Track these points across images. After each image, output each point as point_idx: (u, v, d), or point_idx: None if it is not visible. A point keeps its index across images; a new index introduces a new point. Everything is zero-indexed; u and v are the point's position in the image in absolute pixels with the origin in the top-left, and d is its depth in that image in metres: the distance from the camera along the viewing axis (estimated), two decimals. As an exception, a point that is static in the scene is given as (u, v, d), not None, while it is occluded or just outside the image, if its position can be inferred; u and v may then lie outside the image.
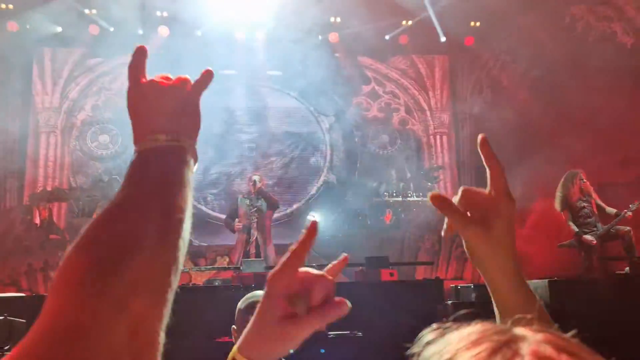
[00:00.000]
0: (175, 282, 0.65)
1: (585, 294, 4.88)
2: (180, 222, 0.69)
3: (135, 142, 0.81)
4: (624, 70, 9.23)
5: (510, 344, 0.44)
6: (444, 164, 11.02)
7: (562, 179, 6.32)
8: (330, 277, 0.71)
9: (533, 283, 5.33)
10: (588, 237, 6.00)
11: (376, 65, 11.23)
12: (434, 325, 0.51)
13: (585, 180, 6.26)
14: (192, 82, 0.87)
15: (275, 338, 0.68)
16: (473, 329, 0.48)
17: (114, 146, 10.28)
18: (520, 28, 10.01)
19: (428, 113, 11.29)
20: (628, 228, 6.07)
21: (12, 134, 9.57)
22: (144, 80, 0.84)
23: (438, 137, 11.28)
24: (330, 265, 0.76)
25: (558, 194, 6.31)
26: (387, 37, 10.68)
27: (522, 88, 9.94)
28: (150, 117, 0.81)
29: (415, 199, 9.76)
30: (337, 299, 0.70)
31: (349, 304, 0.70)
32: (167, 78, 0.86)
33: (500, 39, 10.51)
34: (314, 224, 0.73)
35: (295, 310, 0.67)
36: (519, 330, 0.46)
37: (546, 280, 5.36)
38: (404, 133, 11.18)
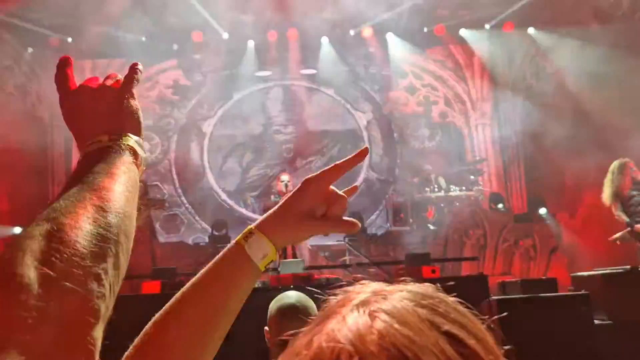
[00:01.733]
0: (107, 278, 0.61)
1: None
2: (114, 218, 0.67)
3: (79, 149, 0.79)
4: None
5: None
6: (487, 155, 10.69)
7: (611, 171, 5.98)
8: (347, 200, 0.83)
9: (588, 276, 5.07)
10: (639, 226, 5.66)
11: (413, 58, 11.01)
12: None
13: (635, 169, 5.90)
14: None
15: (290, 227, 0.76)
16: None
17: (153, 152, 10.48)
18: (564, 11, 9.60)
19: (468, 104, 10.98)
20: None
21: (58, 148, 9.90)
22: (73, 87, 0.82)
23: (480, 128, 10.96)
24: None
25: (607, 186, 5.98)
26: (425, 29, 10.46)
27: (568, 74, 9.52)
28: (89, 122, 0.80)
29: (458, 193, 9.49)
30: (352, 220, 0.81)
31: (359, 225, 0.81)
32: (95, 79, 0.85)
33: (543, 22, 10.11)
34: (365, 150, 0.87)
35: (314, 212, 0.78)
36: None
37: (601, 272, 5.09)
38: (444, 126, 10.92)
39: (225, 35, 10.19)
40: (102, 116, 0.80)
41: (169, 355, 0.70)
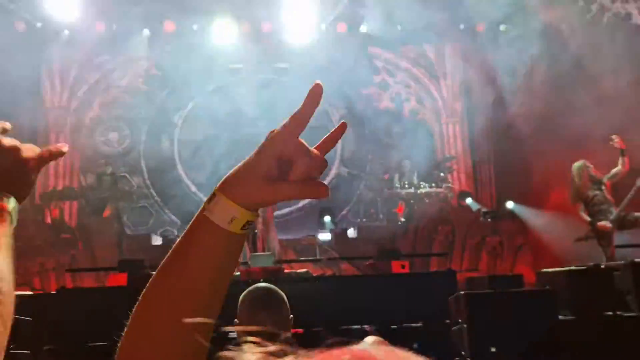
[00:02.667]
0: None
1: (603, 283, 4.73)
2: None
3: None
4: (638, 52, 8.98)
5: None
6: (457, 153, 10.84)
7: (571, 173, 6.15)
8: (323, 159, 0.72)
9: (552, 273, 5.18)
10: (601, 222, 5.82)
11: (386, 55, 11.06)
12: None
13: (591, 166, 6.06)
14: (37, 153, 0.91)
15: (253, 186, 0.68)
16: None
17: (123, 143, 10.28)
18: (534, 11, 9.78)
19: (440, 102, 11.10)
20: None
21: (22, 133, 9.58)
22: None
23: (450, 126, 11.09)
24: (328, 134, 0.75)
25: (570, 188, 6.15)
26: (399, 27, 10.51)
27: (536, 74, 9.71)
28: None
29: (428, 190, 9.60)
30: (320, 181, 0.71)
31: (329, 192, 0.70)
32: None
33: (514, 23, 10.29)
34: (318, 87, 0.72)
35: (276, 171, 0.68)
36: None
37: (565, 269, 5.22)
38: (415, 123, 11.02)
39: (195, 27, 10.05)
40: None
41: (156, 335, 0.66)
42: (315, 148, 0.72)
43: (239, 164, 0.70)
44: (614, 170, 6.09)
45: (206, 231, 0.67)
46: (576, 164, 6.20)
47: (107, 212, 8.62)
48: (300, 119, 0.70)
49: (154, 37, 10.13)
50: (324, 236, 8.83)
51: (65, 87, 10.20)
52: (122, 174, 9.61)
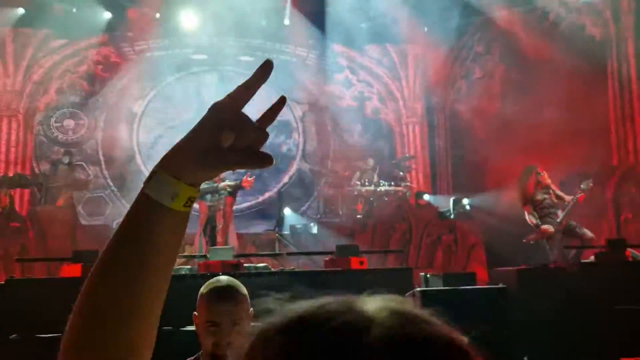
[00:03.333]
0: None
1: (551, 283, 4.93)
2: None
3: None
4: (591, 61, 9.37)
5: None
6: (416, 153, 11.03)
7: (522, 174, 6.37)
8: (265, 131, 0.70)
9: (504, 271, 5.37)
10: (545, 226, 6.09)
11: (350, 53, 11.14)
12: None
13: (542, 173, 6.30)
14: None
15: (194, 159, 0.67)
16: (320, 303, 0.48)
17: (79, 131, 9.98)
18: (494, 18, 10.05)
19: (401, 102, 11.27)
20: (592, 236, 6.16)
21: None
22: None
23: (410, 126, 11.28)
24: (268, 108, 0.74)
25: (518, 190, 6.38)
26: (363, 25, 10.59)
27: (494, 78, 9.99)
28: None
29: (387, 188, 9.74)
30: (264, 151, 0.69)
31: (273, 161, 0.69)
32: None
33: (473, 28, 10.55)
34: (269, 63, 0.71)
35: (220, 142, 0.67)
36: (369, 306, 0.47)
37: (516, 268, 5.41)
38: (376, 122, 11.16)
39: (158, 15, 9.86)
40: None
41: (103, 320, 0.63)
42: (256, 122, 0.71)
43: (182, 138, 0.68)
44: (566, 198, 6.31)
45: (149, 210, 0.65)
46: (527, 168, 6.42)
47: (61, 201, 8.37)
48: (245, 91, 0.70)
49: (116, 22, 9.86)
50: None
51: (19, 70, 9.80)
52: (79, 163, 9.33)
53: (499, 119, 9.79)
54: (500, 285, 4.73)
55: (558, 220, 6.14)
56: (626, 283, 4.73)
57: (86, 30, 9.73)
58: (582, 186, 6.21)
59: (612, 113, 9.41)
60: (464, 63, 10.98)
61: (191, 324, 2.08)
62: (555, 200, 6.30)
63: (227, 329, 1.73)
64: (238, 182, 6.52)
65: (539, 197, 6.25)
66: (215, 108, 0.69)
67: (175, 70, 10.35)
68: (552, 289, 4.91)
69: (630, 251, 5.44)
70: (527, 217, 6.29)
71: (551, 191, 6.32)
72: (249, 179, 6.65)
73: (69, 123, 9.96)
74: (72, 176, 8.98)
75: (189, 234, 8.68)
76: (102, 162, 9.95)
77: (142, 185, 0.66)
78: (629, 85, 9.29)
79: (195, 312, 1.94)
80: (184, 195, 0.66)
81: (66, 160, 9.30)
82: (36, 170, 9.51)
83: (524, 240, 6.33)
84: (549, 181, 6.28)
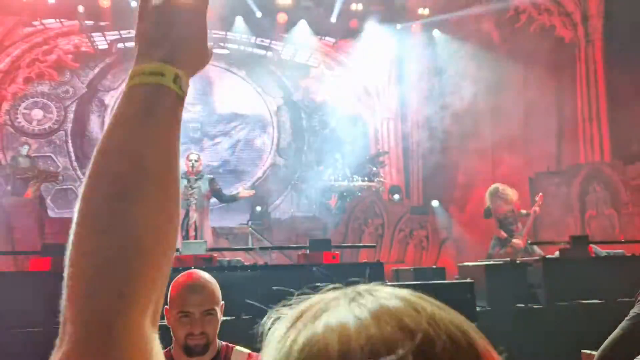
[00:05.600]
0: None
1: (517, 277, 5.08)
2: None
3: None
4: (560, 62, 9.60)
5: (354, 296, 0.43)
6: (390, 149, 11.14)
7: (488, 194, 6.56)
8: None
9: (472, 266, 5.49)
10: (516, 240, 6.34)
11: (325, 48, 11.16)
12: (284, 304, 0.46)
13: (505, 194, 6.48)
14: None
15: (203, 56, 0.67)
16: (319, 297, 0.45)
17: (48, 122, 9.77)
18: (467, 16, 10.20)
19: (375, 98, 11.35)
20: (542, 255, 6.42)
21: None
22: None
23: (385, 122, 11.38)
24: None
25: (485, 207, 6.56)
26: (332, 19, 10.61)
27: (466, 76, 10.15)
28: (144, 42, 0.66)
29: (361, 183, 9.82)
30: None
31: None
32: None
33: (447, 25, 10.68)
34: None
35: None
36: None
37: (484, 263, 5.53)
38: (351, 117, 11.21)
39: (133, 4, 9.70)
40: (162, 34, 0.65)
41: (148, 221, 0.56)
42: None
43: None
44: (525, 212, 6.55)
45: (167, 97, 0.61)
46: (490, 190, 6.60)
47: (28, 193, 8.19)
48: None
49: (88, 11, 9.67)
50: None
51: (-16, 58, 9.55)
52: (48, 154, 9.14)
53: (470, 117, 9.96)
54: (468, 280, 4.84)
55: (520, 233, 6.42)
56: (588, 278, 4.90)
57: (57, 18, 9.52)
58: (536, 198, 6.53)
59: (579, 113, 9.67)
60: (436, 60, 11.11)
61: (163, 319, 2.10)
62: (516, 214, 6.55)
63: (199, 318, 1.77)
64: (215, 183, 6.50)
65: (505, 215, 6.47)
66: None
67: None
68: (517, 283, 5.05)
69: (592, 247, 5.63)
70: (495, 229, 6.51)
71: (513, 207, 6.56)
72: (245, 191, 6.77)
73: (37, 113, 9.74)
74: (40, 168, 8.79)
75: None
76: (72, 154, 9.76)
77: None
78: (596, 86, 9.56)
79: (166, 306, 1.95)
80: (185, 78, 0.65)
81: (24, 151, 9.08)
82: (2, 161, 9.28)
83: (494, 256, 6.49)
84: (512, 198, 6.49)
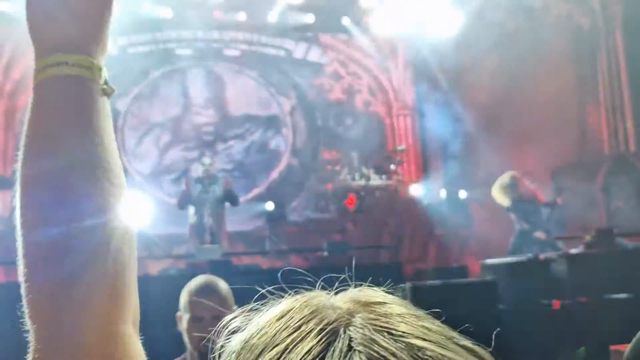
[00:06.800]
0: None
1: (541, 273, 4.95)
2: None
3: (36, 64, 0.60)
4: (580, 52, 9.35)
5: (334, 338, 0.36)
6: (408, 146, 10.98)
7: (503, 184, 6.36)
8: None
9: (495, 264, 5.35)
10: (538, 234, 6.15)
11: (338, 45, 11.05)
12: (237, 310, 0.44)
13: (518, 183, 6.29)
14: None
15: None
16: (282, 312, 0.39)
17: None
18: (480, 10, 10.00)
19: (391, 94, 11.20)
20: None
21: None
22: None
23: (402, 118, 11.22)
24: None
25: (501, 194, 6.36)
26: (344, 18, 10.50)
27: (483, 69, 9.95)
28: (55, 27, 0.61)
29: (378, 182, 9.69)
30: None
31: None
32: None
33: (461, 21, 10.48)
34: None
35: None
36: (341, 305, 0.39)
37: (505, 260, 5.39)
38: (367, 115, 11.08)
39: (144, 10, 9.70)
40: (82, 21, 0.61)
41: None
42: None
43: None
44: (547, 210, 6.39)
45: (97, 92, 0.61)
46: (510, 178, 6.40)
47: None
48: None
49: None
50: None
51: (-3, 69, 9.64)
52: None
53: (489, 110, 9.75)
54: (490, 278, 4.70)
55: (542, 226, 6.23)
56: (614, 272, 4.75)
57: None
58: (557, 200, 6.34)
59: (602, 103, 9.40)
60: (452, 53, 10.91)
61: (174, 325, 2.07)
62: (537, 206, 6.36)
63: (210, 324, 1.71)
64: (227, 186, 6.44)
65: (524, 203, 6.28)
66: None
67: (159, 66, 10.20)
68: (541, 279, 4.92)
69: (618, 240, 5.46)
70: (516, 221, 6.33)
71: (536, 195, 6.36)
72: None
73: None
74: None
75: (180, 235, 8.60)
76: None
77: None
78: (618, 75, 9.28)
79: (178, 313, 1.94)
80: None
81: None
82: (19, 171, 9.36)
83: (516, 251, 6.31)
84: (533, 189, 6.31)
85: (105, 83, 0.62)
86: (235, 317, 0.42)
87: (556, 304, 4.75)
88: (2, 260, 6.11)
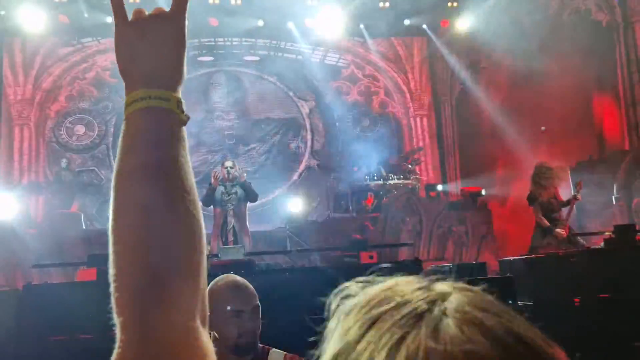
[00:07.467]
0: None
1: (560, 269, 4.94)
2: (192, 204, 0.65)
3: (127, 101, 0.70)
4: (598, 47, 9.29)
5: (434, 304, 0.41)
6: (425, 145, 11.03)
7: (541, 174, 6.29)
8: None
9: (514, 261, 5.38)
10: (559, 230, 6.11)
11: (354, 48, 11.15)
12: (356, 279, 0.48)
13: (549, 173, 6.25)
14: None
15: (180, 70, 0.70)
16: (392, 284, 0.45)
17: (90, 137, 10.12)
18: (497, 7, 10.00)
19: (408, 95, 11.26)
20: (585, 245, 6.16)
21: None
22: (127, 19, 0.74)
23: (418, 119, 11.28)
24: None
25: (534, 189, 6.31)
26: (361, 26, 10.60)
27: (500, 68, 9.95)
28: (138, 67, 0.70)
29: (396, 181, 9.76)
30: None
31: None
32: (141, 11, 0.74)
33: (478, 19, 10.50)
34: None
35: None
36: (440, 287, 0.44)
37: (524, 257, 5.41)
38: (384, 116, 11.17)
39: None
40: (150, 61, 0.70)
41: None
42: None
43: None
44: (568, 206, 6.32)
45: (174, 121, 0.68)
46: (535, 170, 6.36)
47: (75, 207, 8.50)
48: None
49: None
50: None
51: (28, 79, 9.97)
52: (91, 168, 9.46)
53: (507, 108, 9.75)
54: (508, 275, 4.75)
55: (562, 222, 6.17)
56: (636, 269, 4.71)
57: (92, 36, 9.86)
58: (577, 190, 6.23)
59: (622, 98, 9.33)
60: (468, 54, 10.94)
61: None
62: (558, 201, 6.31)
63: (249, 316, 1.79)
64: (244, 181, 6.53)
65: (549, 200, 6.24)
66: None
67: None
68: (561, 276, 4.91)
69: (640, 236, 5.42)
70: (537, 217, 6.27)
71: (555, 194, 6.32)
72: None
73: (80, 129, 10.10)
74: (85, 181, 9.12)
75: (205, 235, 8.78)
76: (114, 167, 10.08)
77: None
78: (638, 70, 9.21)
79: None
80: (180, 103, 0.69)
81: (64, 164, 9.42)
82: (49, 177, 9.67)
83: (536, 248, 6.29)
84: (558, 177, 6.27)
85: (182, 112, 0.68)
86: (348, 285, 0.47)
87: (576, 300, 4.77)
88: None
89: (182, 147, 0.67)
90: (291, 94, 10.94)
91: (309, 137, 11.00)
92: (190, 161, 0.68)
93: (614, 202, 8.60)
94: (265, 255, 7.43)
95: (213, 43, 10.55)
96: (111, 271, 0.61)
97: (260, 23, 10.16)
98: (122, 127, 0.69)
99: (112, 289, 0.60)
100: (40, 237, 7.44)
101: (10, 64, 9.93)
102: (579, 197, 6.20)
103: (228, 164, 6.58)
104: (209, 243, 7.43)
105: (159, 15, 0.73)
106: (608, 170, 8.86)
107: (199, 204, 0.66)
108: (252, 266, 5.58)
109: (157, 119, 0.67)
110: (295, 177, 10.75)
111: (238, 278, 1.94)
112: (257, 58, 10.74)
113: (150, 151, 0.65)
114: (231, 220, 6.40)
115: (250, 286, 1.91)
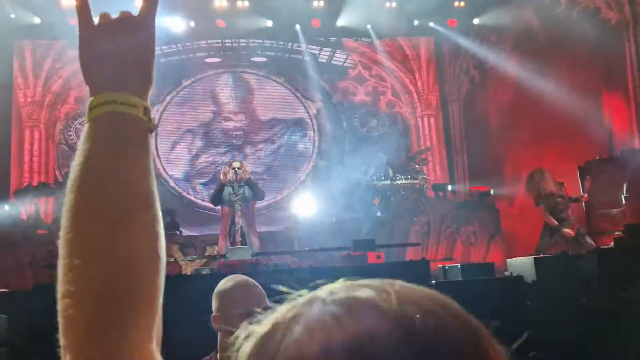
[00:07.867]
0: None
1: (570, 270, 4.91)
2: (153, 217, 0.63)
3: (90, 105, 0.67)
4: (607, 46, 9.22)
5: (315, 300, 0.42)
6: (432, 145, 11.01)
7: (536, 177, 6.32)
8: None
9: (522, 260, 5.36)
10: (567, 230, 6.09)
11: (361, 49, 11.15)
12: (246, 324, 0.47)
13: (548, 176, 6.25)
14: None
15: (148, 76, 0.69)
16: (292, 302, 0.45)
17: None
18: (505, 5, 9.96)
19: (415, 95, 11.25)
20: (594, 245, 6.12)
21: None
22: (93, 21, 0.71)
23: (426, 119, 11.26)
24: None
25: (533, 189, 6.32)
26: (368, 26, 10.60)
27: (508, 67, 9.91)
28: (105, 71, 0.68)
29: (404, 182, 9.74)
30: None
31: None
32: (108, 16, 0.72)
33: (485, 17, 10.47)
34: None
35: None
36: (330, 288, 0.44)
37: (532, 257, 5.39)
38: (391, 116, 11.16)
39: (171, 22, 9.99)
40: (116, 65, 0.67)
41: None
42: None
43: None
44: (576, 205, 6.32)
45: (140, 128, 0.66)
46: (539, 171, 6.38)
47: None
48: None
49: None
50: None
51: (38, 81, 10.06)
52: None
53: (514, 108, 9.71)
54: (516, 274, 4.73)
55: (570, 221, 6.16)
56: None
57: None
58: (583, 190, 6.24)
59: (631, 97, 9.25)
60: (475, 53, 10.90)
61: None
62: (566, 200, 6.29)
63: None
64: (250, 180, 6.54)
65: (554, 199, 6.23)
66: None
67: (189, 74, 10.50)
68: (570, 277, 4.89)
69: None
70: (545, 217, 6.27)
71: (564, 193, 6.31)
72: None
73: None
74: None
75: (213, 236, 8.83)
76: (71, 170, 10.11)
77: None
78: (648, 68, 9.13)
79: (215, 313, 1.94)
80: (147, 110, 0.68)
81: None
82: (59, 178, 9.75)
83: (544, 247, 6.27)
84: (562, 182, 6.27)
85: (150, 119, 0.67)
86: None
87: (585, 300, 4.74)
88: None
89: (147, 155, 0.65)
90: (298, 94, 10.96)
91: (316, 137, 11.01)
92: (154, 171, 0.66)
93: (624, 202, 8.53)
94: (272, 255, 7.45)
95: (220, 44, 10.60)
96: (63, 287, 0.58)
97: (269, 24, 10.20)
98: (84, 130, 0.66)
99: (61, 306, 0.57)
100: (51, 238, 7.50)
101: (21, 67, 10.03)
102: (587, 196, 6.19)
103: (235, 164, 6.59)
104: (216, 243, 7.45)
105: (126, 19, 0.70)
106: (618, 168, 8.78)
107: (160, 215, 0.63)
108: (259, 266, 5.60)
109: (122, 125, 0.64)
110: (302, 177, 10.76)
111: (247, 278, 1.93)
112: (264, 59, 10.77)
113: (115, 159, 0.63)
114: (239, 221, 6.42)
115: (260, 286, 1.90)
